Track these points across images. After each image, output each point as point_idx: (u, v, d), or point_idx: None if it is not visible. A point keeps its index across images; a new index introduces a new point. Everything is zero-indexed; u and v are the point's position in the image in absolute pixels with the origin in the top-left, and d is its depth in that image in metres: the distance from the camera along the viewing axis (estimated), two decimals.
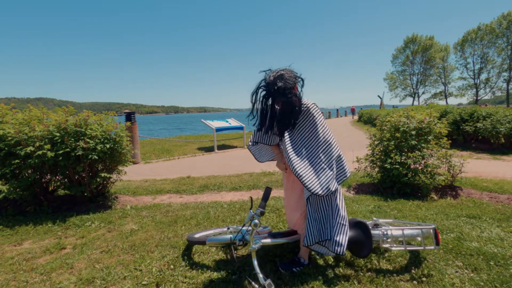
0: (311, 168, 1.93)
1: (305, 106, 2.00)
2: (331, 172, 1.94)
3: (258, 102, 1.96)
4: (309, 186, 1.87)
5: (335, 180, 1.96)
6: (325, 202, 2.03)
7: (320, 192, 1.87)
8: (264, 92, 1.92)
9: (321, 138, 1.99)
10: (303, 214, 2.09)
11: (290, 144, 1.99)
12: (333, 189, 1.92)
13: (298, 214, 2.11)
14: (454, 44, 39.29)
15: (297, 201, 2.11)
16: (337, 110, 36.95)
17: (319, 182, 1.90)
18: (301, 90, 1.98)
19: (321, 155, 1.96)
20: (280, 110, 1.92)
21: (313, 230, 1.97)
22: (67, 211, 3.49)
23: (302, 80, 1.97)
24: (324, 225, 2.01)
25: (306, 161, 1.95)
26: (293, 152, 1.97)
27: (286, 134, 1.99)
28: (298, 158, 1.95)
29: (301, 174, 1.89)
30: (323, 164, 1.94)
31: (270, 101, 1.94)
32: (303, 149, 1.99)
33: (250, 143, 2.19)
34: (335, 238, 1.95)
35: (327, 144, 1.99)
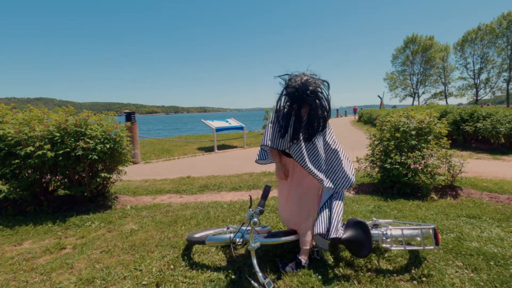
0: (330, 169, 2.11)
1: None
2: (345, 169, 2.11)
3: (282, 107, 1.97)
4: (328, 185, 2.04)
5: (350, 175, 2.12)
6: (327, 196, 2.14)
7: (341, 189, 2.09)
8: (292, 97, 1.90)
9: (331, 140, 2.13)
10: (303, 214, 2.10)
11: (305, 149, 2.03)
12: (351, 184, 2.10)
13: (300, 215, 2.12)
14: (454, 44, 39.23)
15: (299, 203, 2.12)
16: (337, 110, 36.91)
17: (338, 180, 2.10)
18: (328, 93, 1.99)
19: (334, 156, 2.12)
20: (310, 115, 1.94)
21: (324, 221, 2.06)
22: (67, 211, 3.49)
23: (328, 83, 1.98)
24: (328, 217, 2.09)
25: (324, 163, 2.08)
26: (309, 156, 2.04)
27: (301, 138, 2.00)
28: (315, 162, 2.05)
29: (321, 177, 2.02)
30: (338, 163, 2.11)
31: (296, 106, 1.93)
32: (319, 152, 2.07)
33: (264, 148, 2.19)
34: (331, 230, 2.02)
35: (336, 145, 2.14)
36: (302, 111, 1.95)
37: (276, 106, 1.99)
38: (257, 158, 2.22)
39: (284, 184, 2.20)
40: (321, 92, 1.93)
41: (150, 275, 2.08)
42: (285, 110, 1.99)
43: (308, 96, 1.85)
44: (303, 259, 2.13)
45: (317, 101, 1.91)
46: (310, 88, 1.85)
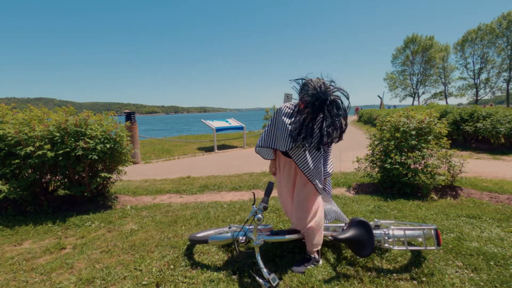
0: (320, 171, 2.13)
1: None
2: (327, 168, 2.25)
3: (297, 112, 1.88)
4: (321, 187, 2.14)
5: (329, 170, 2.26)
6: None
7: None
8: (312, 105, 1.79)
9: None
10: (308, 217, 2.10)
11: (309, 156, 2.02)
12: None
13: (304, 219, 2.11)
14: (454, 44, 39.23)
15: (302, 207, 2.11)
16: None
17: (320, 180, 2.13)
18: (348, 104, 1.90)
19: (325, 157, 2.21)
20: (329, 125, 1.84)
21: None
22: (67, 211, 3.49)
23: (347, 93, 1.89)
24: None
25: (320, 168, 2.11)
26: (313, 162, 2.05)
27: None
28: (315, 167, 2.06)
29: (319, 184, 2.09)
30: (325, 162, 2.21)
31: (314, 114, 1.84)
32: (319, 158, 2.10)
33: (260, 147, 2.19)
34: None
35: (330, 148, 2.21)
36: (317, 119, 1.87)
37: (309, 111, 1.82)
38: (259, 146, 2.20)
39: (287, 186, 2.21)
40: (341, 102, 1.85)
41: (150, 275, 2.08)
42: (301, 115, 1.87)
43: (328, 105, 1.79)
44: (313, 255, 2.17)
45: (335, 111, 1.82)
46: (331, 97, 1.79)
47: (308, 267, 2.10)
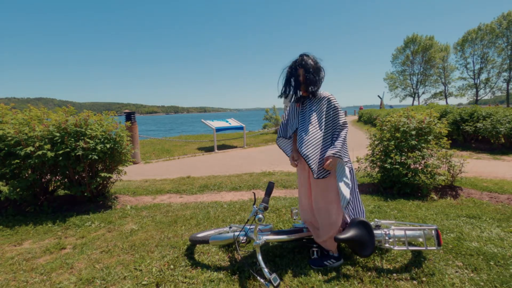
0: (320, 152, 2.07)
1: (324, 97, 2.17)
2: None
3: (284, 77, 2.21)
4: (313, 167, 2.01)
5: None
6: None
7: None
8: (291, 65, 2.17)
9: (338, 123, 2.14)
10: (324, 215, 2.10)
11: (304, 132, 2.09)
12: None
13: (321, 216, 2.11)
14: (454, 44, 39.24)
15: (319, 201, 2.12)
16: None
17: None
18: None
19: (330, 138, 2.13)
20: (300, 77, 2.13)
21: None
22: (67, 211, 3.49)
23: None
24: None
25: (319, 145, 2.06)
26: (306, 137, 2.06)
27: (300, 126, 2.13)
28: (310, 143, 2.05)
29: (308, 155, 2.00)
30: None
31: (294, 71, 2.15)
32: (318, 134, 2.09)
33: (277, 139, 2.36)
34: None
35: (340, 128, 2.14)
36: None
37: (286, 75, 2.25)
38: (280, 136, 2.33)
39: (303, 178, 2.22)
40: (311, 64, 2.14)
41: (150, 275, 2.08)
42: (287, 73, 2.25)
43: (300, 64, 2.14)
44: (332, 252, 2.16)
45: (306, 68, 2.11)
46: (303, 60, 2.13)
47: (326, 263, 2.10)
